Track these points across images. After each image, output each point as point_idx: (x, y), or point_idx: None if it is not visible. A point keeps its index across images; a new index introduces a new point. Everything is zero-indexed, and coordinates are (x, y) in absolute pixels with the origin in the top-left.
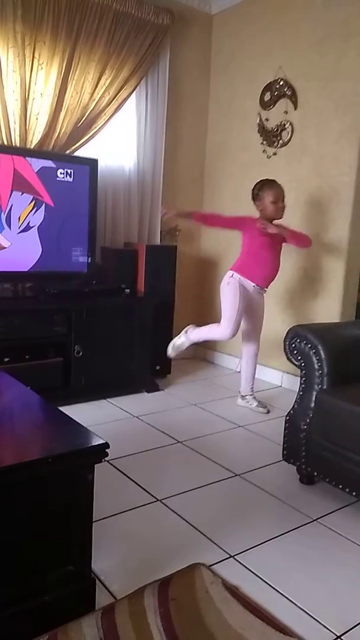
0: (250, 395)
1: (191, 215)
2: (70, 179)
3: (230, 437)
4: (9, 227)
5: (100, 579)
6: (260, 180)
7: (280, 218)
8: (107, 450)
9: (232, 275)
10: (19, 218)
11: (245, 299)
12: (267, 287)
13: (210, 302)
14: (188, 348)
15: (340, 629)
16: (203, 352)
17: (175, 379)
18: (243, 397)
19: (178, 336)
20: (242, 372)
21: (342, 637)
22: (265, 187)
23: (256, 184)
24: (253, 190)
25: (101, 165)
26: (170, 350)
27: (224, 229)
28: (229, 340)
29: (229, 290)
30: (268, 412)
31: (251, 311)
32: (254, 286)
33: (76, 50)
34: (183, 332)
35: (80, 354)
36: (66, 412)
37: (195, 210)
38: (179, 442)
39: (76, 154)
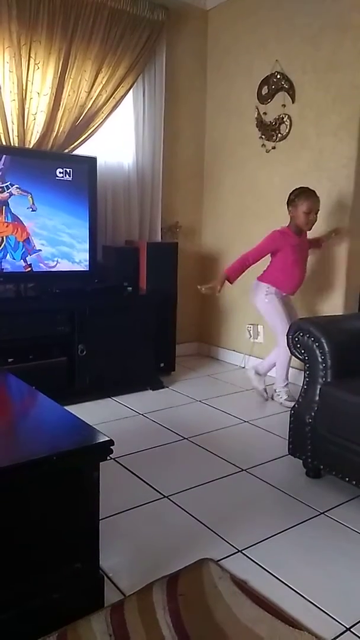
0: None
1: (228, 278)
2: (70, 178)
3: (235, 433)
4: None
5: (109, 576)
6: (300, 187)
7: (309, 230)
8: (112, 447)
9: (268, 288)
10: None
11: (283, 304)
12: (293, 294)
13: (212, 298)
14: (287, 385)
15: (349, 621)
16: (207, 348)
17: (179, 376)
18: (258, 373)
19: (277, 395)
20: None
21: (351, 629)
22: (302, 196)
23: (294, 190)
24: (290, 195)
25: (100, 163)
26: (286, 402)
27: (262, 258)
28: (235, 336)
29: (271, 305)
30: (267, 400)
31: (290, 312)
32: (284, 295)
33: (72, 48)
34: (274, 393)
35: (84, 353)
36: (71, 411)
37: (225, 271)
38: (184, 438)
39: (75, 152)
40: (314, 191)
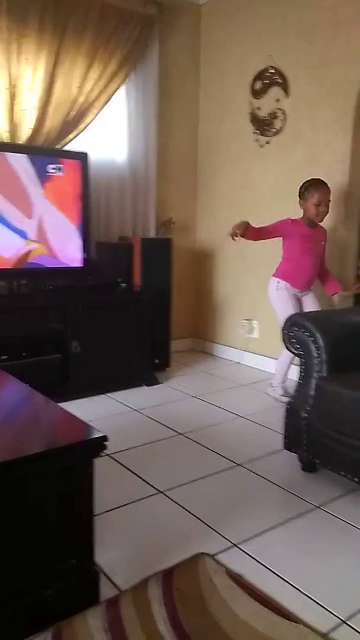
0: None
1: (246, 228)
2: (62, 174)
3: (231, 428)
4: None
5: (105, 572)
6: (310, 179)
7: (320, 221)
8: (106, 443)
9: (278, 282)
10: None
11: (295, 300)
12: (309, 289)
13: (207, 293)
14: (284, 382)
15: (345, 613)
16: (202, 344)
17: (174, 372)
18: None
19: (273, 390)
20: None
21: (347, 622)
22: (311, 188)
23: (305, 182)
24: (300, 187)
25: (93, 159)
26: (282, 397)
27: (269, 238)
28: (229, 332)
29: (280, 297)
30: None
31: (303, 308)
32: (298, 291)
33: (63, 43)
34: (270, 387)
35: (78, 349)
36: (66, 408)
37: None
38: (180, 434)
39: (67, 148)
40: (324, 182)
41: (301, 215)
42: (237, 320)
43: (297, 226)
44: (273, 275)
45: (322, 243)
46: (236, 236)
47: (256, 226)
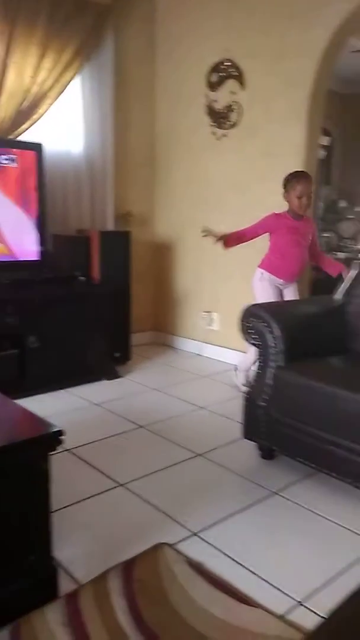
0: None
1: (225, 240)
2: (16, 165)
3: (192, 419)
4: None
5: (65, 567)
6: (292, 172)
7: (303, 213)
8: (62, 437)
9: (262, 273)
10: None
11: (277, 292)
12: (293, 281)
13: (167, 287)
14: (248, 370)
15: (301, 595)
16: (162, 336)
17: (135, 365)
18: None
19: (236, 375)
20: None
21: (303, 603)
22: (293, 181)
23: (287, 175)
24: (283, 180)
25: (48, 150)
26: (242, 387)
27: (256, 238)
28: (189, 324)
29: (261, 287)
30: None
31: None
32: (282, 282)
33: (15, 32)
34: (235, 371)
35: (36, 344)
36: (24, 405)
37: (228, 233)
38: (140, 426)
39: (22, 139)
40: (305, 174)
41: (286, 209)
42: (196, 313)
43: (282, 219)
44: (258, 266)
45: (310, 237)
46: (209, 236)
47: (236, 231)
